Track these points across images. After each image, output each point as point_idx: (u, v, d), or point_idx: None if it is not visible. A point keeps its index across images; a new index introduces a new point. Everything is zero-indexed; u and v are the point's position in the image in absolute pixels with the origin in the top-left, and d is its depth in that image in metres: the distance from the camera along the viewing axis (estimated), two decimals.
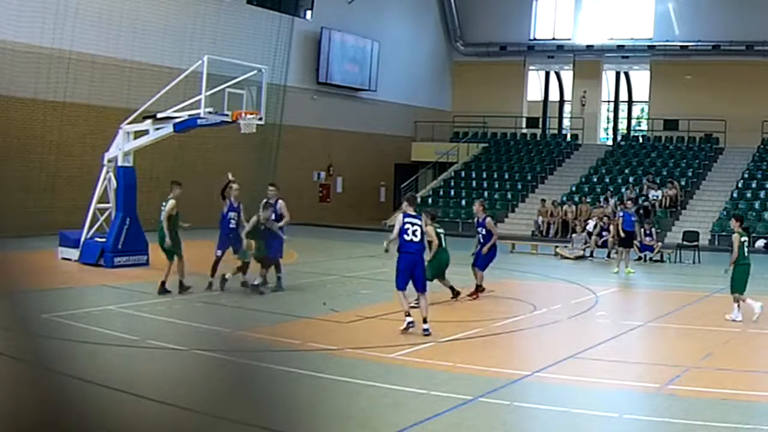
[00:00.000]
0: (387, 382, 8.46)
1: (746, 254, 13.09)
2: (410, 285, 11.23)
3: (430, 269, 13.09)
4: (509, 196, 33.14)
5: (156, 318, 11.63)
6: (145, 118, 17.59)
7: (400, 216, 11.51)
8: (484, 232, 14.85)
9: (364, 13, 34.05)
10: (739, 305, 12.81)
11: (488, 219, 15.12)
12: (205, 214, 27.39)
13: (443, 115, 39.45)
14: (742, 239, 13.11)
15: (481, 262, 14.77)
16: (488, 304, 14.31)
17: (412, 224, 11.28)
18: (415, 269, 11.24)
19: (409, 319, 10.98)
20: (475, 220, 15.39)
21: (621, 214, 21.75)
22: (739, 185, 30.64)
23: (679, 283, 18.57)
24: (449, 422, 7.27)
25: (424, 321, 10.96)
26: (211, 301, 13.12)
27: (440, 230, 14.09)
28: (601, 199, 29.03)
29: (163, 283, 13.56)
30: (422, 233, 11.36)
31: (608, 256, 22.89)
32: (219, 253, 14.43)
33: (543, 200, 30.38)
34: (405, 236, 11.22)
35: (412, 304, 11.33)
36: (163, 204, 14.05)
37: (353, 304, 13.61)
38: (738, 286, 12.83)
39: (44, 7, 22.18)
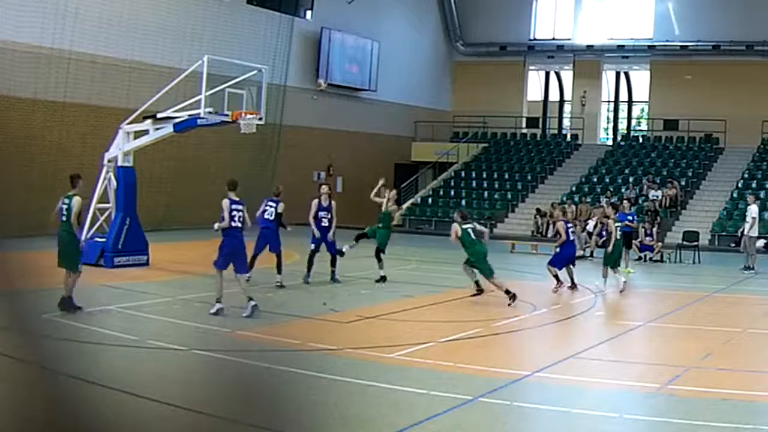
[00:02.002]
0: (387, 382, 8.45)
1: (619, 236, 16.42)
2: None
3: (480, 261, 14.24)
4: (509, 196, 33.14)
5: (156, 318, 11.62)
6: (145, 118, 17.58)
7: (226, 201, 12.27)
8: (558, 236, 16.32)
9: (364, 13, 34.03)
10: (616, 274, 15.90)
11: (559, 223, 16.39)
12: (204, 214, 27.47)
13: (443, 115, 39.44)
14: (616, 225, 16.48)
15: (556, 261, 16.03)
16: (488, 304, 14.31)
17: (238, 210, 12.24)
18: (238, 253, 12.20)
19: (219, 305, 11.75)
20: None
21: (617, 214, 21.72)
22: (739, 185, 30.62)
23: (679, 283, 18.57)
24: (449, 422, 7.27)
25: (250, 299, 11.84)
26: (211, 301, 13.09)
27: (469, 226, 14.52)
28: (602, 200, 28.96)
29: (70, 299, 11.57)
30: (244, 219, 12.36)
31: None
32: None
33: (537, 209, 30.37)
34: (233, 222, 12.18)
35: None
36: (65, 201, 12.09)
37: (353, 304, 13.60)
38: (610, 260, 16.00)
39: (44, 7, 22.16)
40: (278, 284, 14.88)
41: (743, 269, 20.33)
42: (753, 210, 20.87)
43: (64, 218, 11.92)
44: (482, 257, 14.18)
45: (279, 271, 14.99)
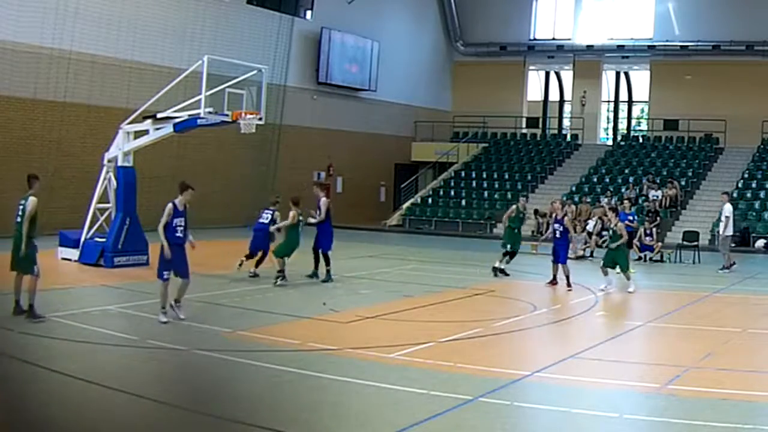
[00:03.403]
0: (387, 382, 8.45)
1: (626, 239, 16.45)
2: None
3: (282, 248, 15.41)
4: (509, 196, 33.10)
5: (156, 318, 11.62)
6: (145, 118, 17.58)
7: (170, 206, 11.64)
8: (561, 228, 16.36)
9: (364, 13, 34.04)
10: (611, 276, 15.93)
11: (566, 217, 16.66)
12: (204, 214, 27.49)
13: (443, 115, 39.45)
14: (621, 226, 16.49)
15: (563, 257, 16.22)
16: (488, 304, 14.32)
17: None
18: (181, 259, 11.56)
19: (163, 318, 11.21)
20: (553, 216, 16.93)
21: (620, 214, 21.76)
22: (739, 185, 30.63)
23: (679, 283, 18.57)
24: (449, 422, 7.27)
25: (177, 301, 11.49)
26: (211, 301, 13.11)
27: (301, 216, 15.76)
28: (602, 199, 28.95)
29: (18, 302, 11.09)
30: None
31: None
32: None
33: (536, 210, 30.34)
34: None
35: None
36: (21, 202, 11.48)
37: (353, 304, 13.60)
38: (624, 263, 16.32)
39: (44, 7, 22.17)
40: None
41: (722, 270, 20.35)
42: (727, 209, 20.96)
43: (18, 219, 11.35)
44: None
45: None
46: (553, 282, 16.41)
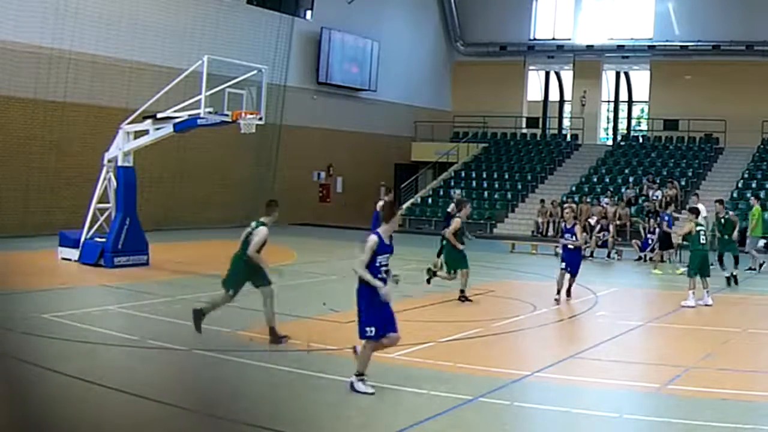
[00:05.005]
0: (387, 382, 8.45)
1: (702, 241, 14.95)
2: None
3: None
4: (509, 196, 33.14)
5: (156, 318, 11.62)
6: (145, 118, 17.57)
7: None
8: (574, 238, 14.86)
9: (364, 13, 34.04)
10: (693, 291, 14.34)
11: (577, 226, 15.20)
12: (204, 214, 27.52)
13: (443, 115, 39.45)
14: (698, 228, 14.96)
15: (576, 268, 14.83)
16: (488, 304, 14.32)
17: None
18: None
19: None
20: (563, 226, 15.49)
21: (665, 217, 22.15)
22: (739, 185, 30.62)
23: (679, 283, 18.54)
24: (449, 422, 7.27)
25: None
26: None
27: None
28: (602, 199, 28.90)
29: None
30: None
31: (608, 256, 22.93)
32: None
33: (542, 201, 30.43)
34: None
35: None
36: (252, 225, 10.43)
37: (353, 304, 13.57)
38: (692, 269, 14.59)
39: (44, 7, 22.18)
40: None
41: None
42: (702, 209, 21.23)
43: (242, 245, 10.40)
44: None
45: None
46: (566, 294, 14.81)
